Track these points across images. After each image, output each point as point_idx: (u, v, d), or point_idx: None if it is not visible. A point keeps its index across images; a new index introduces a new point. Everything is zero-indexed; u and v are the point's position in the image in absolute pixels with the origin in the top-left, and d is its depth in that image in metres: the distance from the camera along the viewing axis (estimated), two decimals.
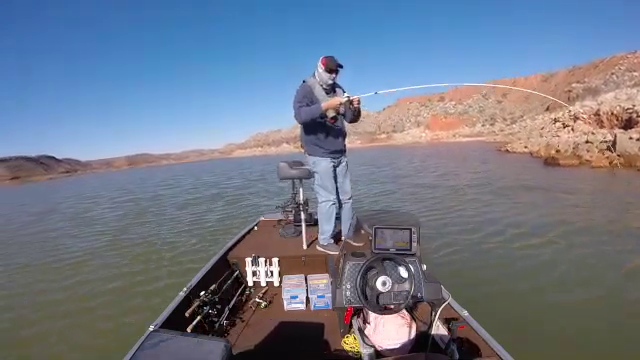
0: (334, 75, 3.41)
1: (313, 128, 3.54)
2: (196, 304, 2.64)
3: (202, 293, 2.79)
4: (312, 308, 3.20)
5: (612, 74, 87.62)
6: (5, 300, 5.77)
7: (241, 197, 15.69)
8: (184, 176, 39.08)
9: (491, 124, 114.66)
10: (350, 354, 2.44)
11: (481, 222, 7.91)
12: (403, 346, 2.20)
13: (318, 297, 3.18)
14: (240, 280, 3.68)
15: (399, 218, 2.48)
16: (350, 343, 2.48)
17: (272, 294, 3.52)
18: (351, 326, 2.48)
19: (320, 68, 3.39)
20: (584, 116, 30.14)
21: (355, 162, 31.87)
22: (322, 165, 3.61)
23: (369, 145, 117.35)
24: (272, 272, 3.68)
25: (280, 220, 4.99)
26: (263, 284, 3.67)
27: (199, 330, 2.57)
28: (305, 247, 3.90)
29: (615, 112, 29.41)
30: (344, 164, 3.80)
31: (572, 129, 32.54)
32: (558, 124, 37.31)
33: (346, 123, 3.78)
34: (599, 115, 31.06)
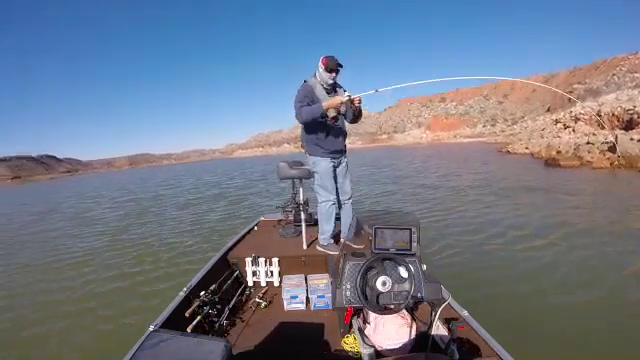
0: (334, 75, 3.42)
1: (314, 128, 3.54)
2: (196, 304, 2.63)
3: (202, 293, 2.78)
4: (312, 308, 3.19)
5: (613, 75, 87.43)
6: (5, 300, 5.77)
7: (242, 197, 15.70)
8: (185, 176, 39.13)
9: (492, 125, 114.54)
10: (350, 354, 2.44)
11: (482, 223, 7.91)
12: (403, 346, 2.20)
13: (318, 297, 3.17)
14: (240, 280, 3.67)
15: (399, 218, 2.48)
16: (350, 343, 2.48)
17: (272, 294, 3.52)
18: (351, 326, 2.47)
19: (320, 68, 3.40)
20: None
21: (356, 163, 31.90)
22: (322, 165, 3.61)
23: (370, 146, 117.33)
24: (272, 272, 3.68)
25: (280, 220, 4.99)
26: (263, 284, 3.67)
27: (199, 330, 2.57)
28: (305, 247, 3.90)
29: (616, 113, 29.38)
30: (344, 164, 3.80)
31: (573, 130, 32.53)
32: (559, 125, 37.30)
33: (346, 123, 3.78)
34: (600, 116, 31.02)
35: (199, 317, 2.60)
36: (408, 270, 1.99)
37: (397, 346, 2.20)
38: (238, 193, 17.47)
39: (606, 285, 4.54)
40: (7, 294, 6.04)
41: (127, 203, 18.22)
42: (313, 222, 4.28)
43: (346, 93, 3.31)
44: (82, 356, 3.95)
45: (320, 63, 3.39)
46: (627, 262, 5.17)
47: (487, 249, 6.17)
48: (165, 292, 5.18)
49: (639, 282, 4.60)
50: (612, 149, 17.75)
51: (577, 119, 34.59)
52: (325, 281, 3.35)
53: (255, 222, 5.15)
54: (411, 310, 2.57)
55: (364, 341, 2.24)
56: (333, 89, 3.54)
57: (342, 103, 3.31)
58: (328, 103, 3.29)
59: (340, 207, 3.86)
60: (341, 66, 3.40)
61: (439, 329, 2.26)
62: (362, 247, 2.25)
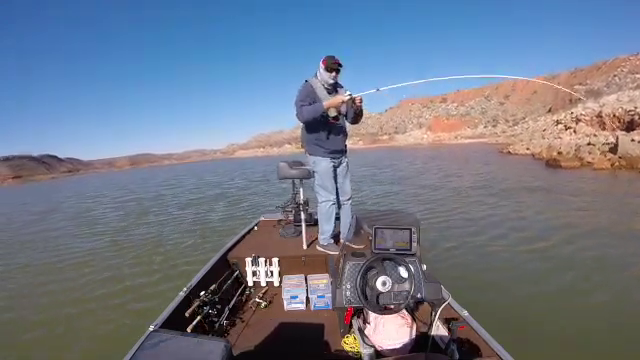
0: (335, 74, 3.41)
1: (314, 127, 3.54)
2: (196, 304, 2.63)
3: (202, 293, 2.78)
4: (312, 308, 3.19)
5: (614, 76, 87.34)
6: (6, 300, 5.78)
7: (244, 198, 15.70)
8: (186, 176, 39.15)
9: (493, 126, 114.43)
10: (350, 354, 2.44)
11: (482, 223, 7.90)
12: (403, 346, 2.20)
13: (318, 297, 3.17)
14: (240, 280, 3.67)
15: (399, 218, 2.48)
16: (350, 343, 2.47)
17: (272, 294, 3.51)
18: (351, 326, 2.47)
19: (321, 68, 3.40)
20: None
21: (358, 163, 31.92)
22: (322, 165, 3.61)
23: (371, 146, 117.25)
24: (272, 272, 3.68)
25: (280, 220, 4.99)
26: (263, 284, 3.66)
27: (199, 330, 2.56)
28: (305, 247, 3.90)
29: (617, 114, 29.35)
30: (344, 165, 3.79)
31: (574, 131, 32.50)
32: (560, 126, 37.27)
33: (347, 123, 3.78)
34: (601, 117, 31.00)
35: (199, 317, 2.60)
36: (408, 270, 1.99)
37: (397, 346, 2.20)
38: (239, 193, 17.48)
39: (606, 285, 4.54)
40: (7, 295, 6.04)
41: (128, 203, 18.24)
42: (313, 222, 4.28)
43: (347, 92, 3.30)
44: (82, 356, 3.95)
45: (321, 63, 3.39)
46: (627, 262, 5.18)
47: (487, 249, 6.17)
48: (165, 292, 5.18)
49: (638, 281, 4.60)
50: (613, 150, 17.74)
51: (578, 120, 34.57)
52: (325, 281, 3.34)
53: (255, 222, 5.15)
54: (411, 310, 2.57)
55: (364, 341, 2.24)
56: (334, 89, 3.54)
57: (343, 102, 3.31)
58: (329, 102, 3.29)
59: (340, 207, 3.86)
60: (341, 66, 3.39)
61: (439, 329, 2.26)
62: (362, 247, 2.25)
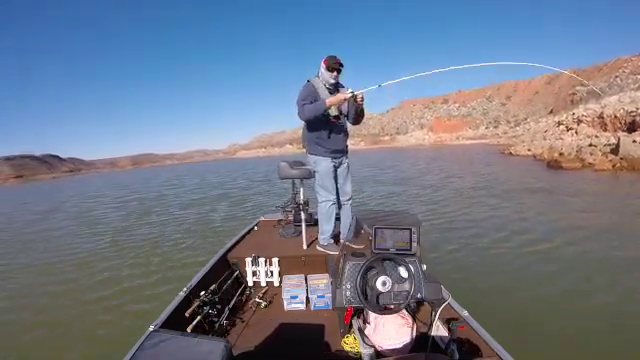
0: (336, 74, 3.41)
1: (316, 126, 3.54)
2: (196, 304, 2.63)
3: (202, 293, 2.78)
4: (312, 308, 3.19)
5: (616, 77, 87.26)
6: (6, 301, 5.79)
7: (247, 198, 15.70)
8: (188, 176, 39.19)
9: (495, 127, 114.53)
10: (350, 354, 2.43)
11: (483, 224, 7.90)
12: (403, 346, 2.20)
13: (318, 297, 3.17)
14: (240, 280, 3.67)
15: (399, 218, 2.47)
16: (350, 343, 2.47)
17: (272, 294, 3.51)
18: (351, 326, 2.47)
19: (322, 67, 3.40)
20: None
21: (360, 164, 31.98)
22: (323, 165, 3.61)
23: (373, 147, 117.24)
24: (272, 272, 3.67)
25: (280, 220, 4.99)
26: (263, 284, 3.66)
27: (199, 330, 2.56)
28: (305, 247, 3.90)
29: (618, 115, 29.30)
30: (345, 165, 3.79)
31: (575, 132, 32.44)
32: (562, 127, 37.20)
33: (348, 124, 3.77)
34: (603, 118, 30.95)
35: (199, 317, 2.60)
36: (408, 270, 1.99)
37: (397, 346, 2.19)
38: (241, 194, 17.47)
39: (606, 286, 4.54)
40: (8, 295, 6.05)
41: (130, 203, 18.25)
42: (313, 222, 4.28)
43: (349, 90, 3.30)
44: (82, 356, 3.96)
45: (322, 63, 3.40)
46: (629, 264, 5.16)
47: (488, 250, 6.16)
48: (165, 292, 5.19)
49: (638, 282, 4.60)
50: (614, 151, 17.71)
51: (579, 121, 34.49)
52: (325, 281, 3.34)
53: (255, 222, 5.15)
54: (411, 310, 2.57)
55: (364, 341, 2.24)
56: (335, 89, 3.53)
57: (345, 99, 3.30)
58: (331, 100, 3.29)
59: (340, 207, 3.86)
60: (342, 65, 3.39)
61: (439, 329, 2.25)
62: (362, 247, 2.25)
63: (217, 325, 2.77)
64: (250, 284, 3.67)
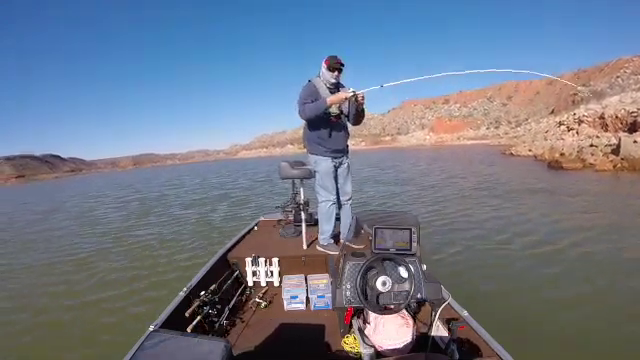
0: (337, 74, 3.41)
1: (317, 126, 3.54)
2: (196, 304, 2.63)
3: (202, 293, 2.78)
4: (312, 308, 3.19)
5: (617, 77, 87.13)
6: (7, 301, 5.79)
7: (248, 198, 15.70)
8: (189, 176, 39.22)
9: (496, 127, 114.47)
10: (350, 354, 2.43)
11: (484, 224, 7.89)
12: (403, 346, 2.19)
13: (318, 297, 3.17)
14: (240, 280, 3.67)
15: (399, 218, 2.47)
16: (350, 343, 2.47)
17: (272, 294, 3.51)
18: (351, 326, 2.47)
19: (323, 67, 3.41)
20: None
21: (361, 164, 32.01)
22: (323, 165, 3.61)
23: (374, 147, 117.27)
24: (272, 272, 3.67)
25: (280, 220, 4.99)
26: (263, 284, 3.66)
27: (199, 330, 2.56)
28: (305, 247, 3.90)
29: (620, 115, 29.24)
30: (345, 165, 3.79)
31: (577, 132, 32.38)
32: (562, 127, 37.13)
33: (349, 124, 3.78)
34: (604, 118, 30.90)
35: (199, 317, 2.60)
36: (408, 270, 1.99)
37: (397, 346, 2.19)
38: (242, 194, 17.46)
39: (607, 286, 4.53)
40: (8, 295, 6.05)
41: (131, 203, 18.27)
42: (313, 222, 4.28)
43: (351, 89, 3.29)
44: (82, 356, 3.95)
45: (323, 63, 3.40)
46: (629, 264, 5.16)
47: (488, 250, 6.16)
48: (166, 292, 5.18)
49: (638, 282, 4.60)
50: (615, 151, 17.69)
51: (580, 121, 34.42)
52: (325, 281, 3.34)
53: (255, 222, 5.15)
54: (411, 310, 2.57)
55: (364, 341, 2.24)
56: (336, 88, 3.52)
57: (346, 98, 3.30)
58: (332, 98, 3.29)
59: (340, 207, 3.86)
60: (343, 65, 3.40)
61: (439, 329, 2.25)
62: (362, 247, 2.25)
63: (217, 325, 2.77)
64: (250, 284, 3.66)
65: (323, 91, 3.44)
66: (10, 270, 7.50)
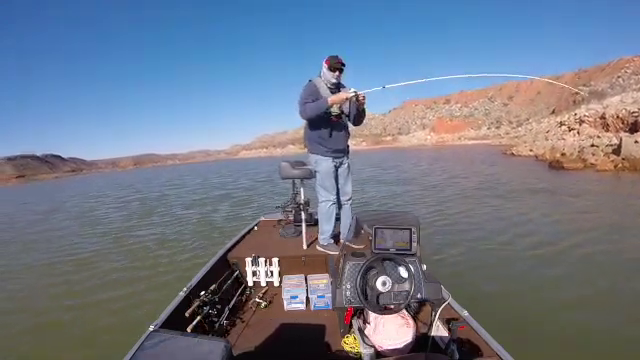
0: (337, 74, 3.41)
1: (317, 125, 3.54)
2: (196, 304, 2.63)
3: (202, 293, 2.78)
4: (312, 308, 3.18)
5: (618, 77, 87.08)
6: (7, 301, 5.80)
7: (249, 198, 15.71)
8: (190, 176, 39.24)
9: (497, 127, 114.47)
10: (350, 354, 2.43)
11: (485, 224, 7.88)
12: (403, 346, 2.19)
13: (318, 297, 3.16)
14: (240, 280, 3.67)
15: (399, 218, 2.47)
16: (350, 343, 2.47)
17: (272, 294, 3.51)
18: (351, 326, 2.47)
19: (324, 67, 3.40)
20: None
21: (362, 164, 32.01)
22: (323, 165, 3.61)
23: (375, 147, 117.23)
24: (272, 272, 3.67)
25: (280, 220, 4.99)
26: (263, 284, 3.66)
27: (199, 330, 2.56)
28: (305, 247, 3.89)
29: (621, 115, 29.20)
30: (346, 166, 3.79)
31: (577, 132, 32.35)
32: (563, 127, 37.09)
33: (349, 124, 3.77)
34: (605, 118, 30.86)
35: (199, 317, 2.59)
36: (408, 270, 1.99)
37: (397, 346, 2.19)
38: (243, 194, 17.47)
39: (607, 287, 4.53)
40: (8, 295, 6.05)
41: (132, 203, 18.28)
42: (313, 222, 4.27)
43: (352, 89, 3.29)
44: (82, 356, 3.96)
45: (324, 63, 3.40)
46: (630, 265, 5.15)
47: (488, 250, 6.15)
48: (166, 292, 5.17)
49: (638, 282, 4.59)
50: (616, 151, 17.67)
51: (581, 121, 34.37)
52: (325, 281, 3.34)
53: (255, 222, 5.15)
54: (411, 310, 2.56)
55: (364, 341, 2.24)
56: (337, 88, 3.52)
57: (347, 98, 3.30)
58: (333, 98, 3.28)
59: (340, 207, 3.86)
60: (344, 65, 3.39)
61: (439, 329, 2.25)
62: (362, 247, 2.24)
63: (217, 325, 2.77)
64: (250, 284, 3.66)
65: (324, 91, 3.44)
66: (10, 270, 7.50)
